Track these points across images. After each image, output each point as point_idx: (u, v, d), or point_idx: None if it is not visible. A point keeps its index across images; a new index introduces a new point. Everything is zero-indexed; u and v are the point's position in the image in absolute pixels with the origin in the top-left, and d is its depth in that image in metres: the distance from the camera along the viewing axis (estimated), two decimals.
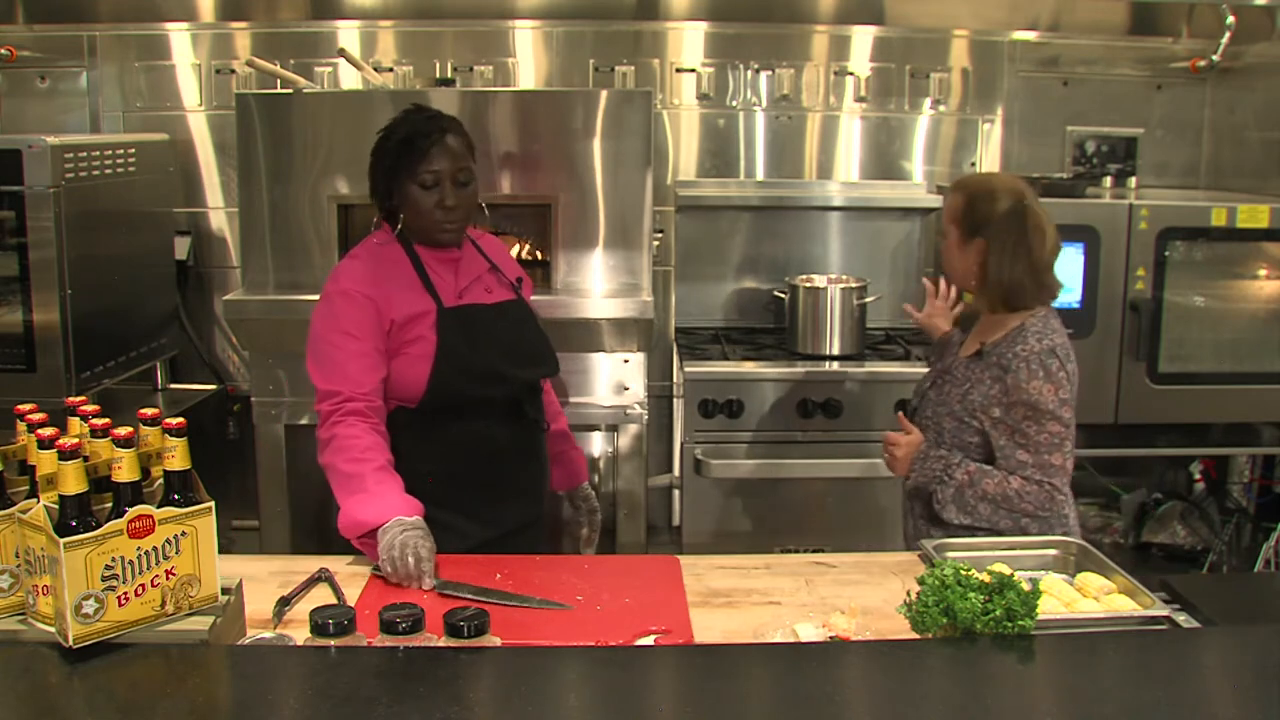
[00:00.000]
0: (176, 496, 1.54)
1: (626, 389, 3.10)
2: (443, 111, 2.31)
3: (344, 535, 2.03)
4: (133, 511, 1.48)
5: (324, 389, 2.16)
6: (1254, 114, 3.64)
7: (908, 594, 1.65)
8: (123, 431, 1.46)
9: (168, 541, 1.52)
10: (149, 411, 1.57)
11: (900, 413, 2.43)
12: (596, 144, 3.03)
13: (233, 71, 3.68)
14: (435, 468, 2.23)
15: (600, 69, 3.71)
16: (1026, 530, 2.19)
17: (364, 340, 2.17)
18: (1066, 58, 3.79)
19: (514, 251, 3.40)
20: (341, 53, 3.45)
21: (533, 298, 2.54)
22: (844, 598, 1.87)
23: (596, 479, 3.72)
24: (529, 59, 3.72)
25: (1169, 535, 3.53)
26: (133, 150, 3.39)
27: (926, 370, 2.56)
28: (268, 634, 1.65)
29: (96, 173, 3.17)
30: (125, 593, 1.49)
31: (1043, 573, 1.92)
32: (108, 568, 1.47)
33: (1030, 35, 3.77)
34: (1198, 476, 3.70)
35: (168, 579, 1.53)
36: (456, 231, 2.27)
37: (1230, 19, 3.57)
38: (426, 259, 2.28)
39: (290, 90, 3.10)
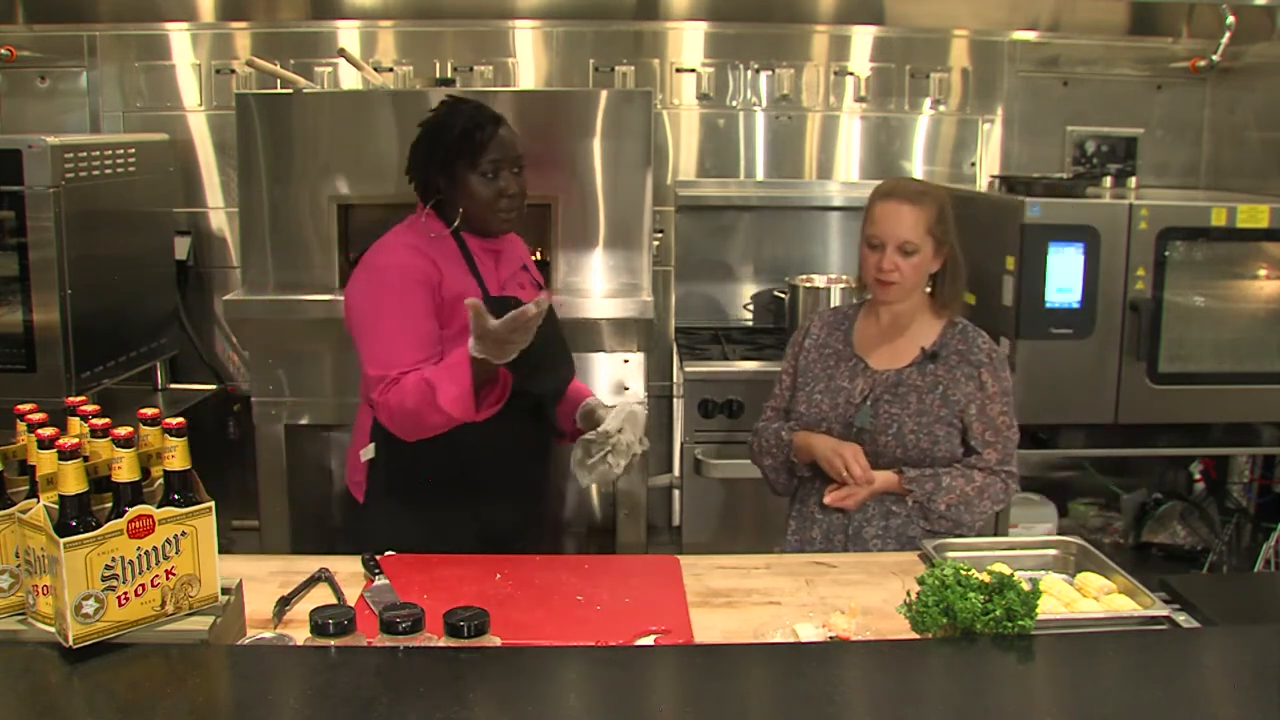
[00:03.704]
0: (176, 496, 1.54)
1: (626, 389, 3.10)
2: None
3: (465, 414, 2.04)
4: (133, 511, 1.48)
5: (373, 375, 2.13)
6: (1254, 114, 3.63)
7: (908, 594, 1.65)
8: (123, 431, 1.46)
9: (168, 541, 1.52)
10: (149, 411, 1.57)
11: (857, 455, 2.20)
12: (596, 144, 3.03)
13: (233, 71, 3.68)
14: (439, 463, 2.18)
15: (600, 69, 3.71)
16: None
17: (410, 317, 2.14)
18: (1066, 58, 3.79)
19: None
20: (341, 53, 3.45)
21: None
22: (844, 598, 1.87)
23: None
24: (529, 59, 3.71)
25: (1169, 535, 3.52)
26: (133, 150, 3.39)
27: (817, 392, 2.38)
28: (268, 634, 1.66)
29: (96, 173, 3.17)
30: (125, 593, 1.49)
31: (1043, 573, 1.92)
32: (108, 568, 1.47)
33: (1030, 35, 3.77)
34: (1198, 476, 3.69)
35: (168, 579, 1.53)
36: (516, 220, 2.28)
37: (1230, 19, 3.57)
38: (472, 246, 2.27)
39: (290, 90, 3.10)
